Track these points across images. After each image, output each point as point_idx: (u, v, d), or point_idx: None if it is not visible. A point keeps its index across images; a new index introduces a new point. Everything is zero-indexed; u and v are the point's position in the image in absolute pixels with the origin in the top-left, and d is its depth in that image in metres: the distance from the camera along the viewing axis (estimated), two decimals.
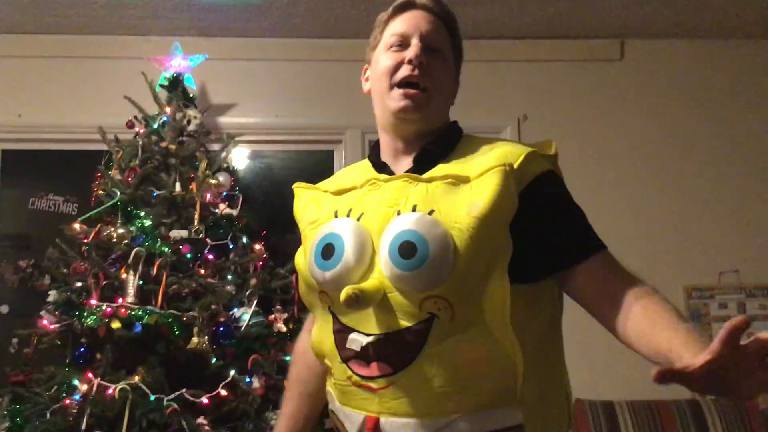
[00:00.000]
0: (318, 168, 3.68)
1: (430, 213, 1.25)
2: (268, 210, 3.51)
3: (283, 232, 3.40)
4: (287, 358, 2.76)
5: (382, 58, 1.41)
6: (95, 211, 2.99)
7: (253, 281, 3.00)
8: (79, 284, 2.83)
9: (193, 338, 2.70)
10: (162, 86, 3.32)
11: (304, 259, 1.40)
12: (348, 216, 1.34)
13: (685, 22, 3.65)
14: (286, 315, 3.02)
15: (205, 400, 2.66)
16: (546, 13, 3.52)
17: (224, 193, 3.17)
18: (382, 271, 1.24)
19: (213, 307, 2.80)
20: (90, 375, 2.65)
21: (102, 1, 3.34)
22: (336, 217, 1.35)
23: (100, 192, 3.05)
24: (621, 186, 3.68)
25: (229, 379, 2.72)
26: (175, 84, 3.31)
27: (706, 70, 3.82)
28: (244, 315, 2.90)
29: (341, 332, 1.31)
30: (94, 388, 2.61)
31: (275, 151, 3.83)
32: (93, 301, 2.74)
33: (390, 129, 1.41)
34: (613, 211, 3.59)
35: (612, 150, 3.73)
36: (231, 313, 2.89)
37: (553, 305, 1.37)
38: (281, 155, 3.84)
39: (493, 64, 3.74)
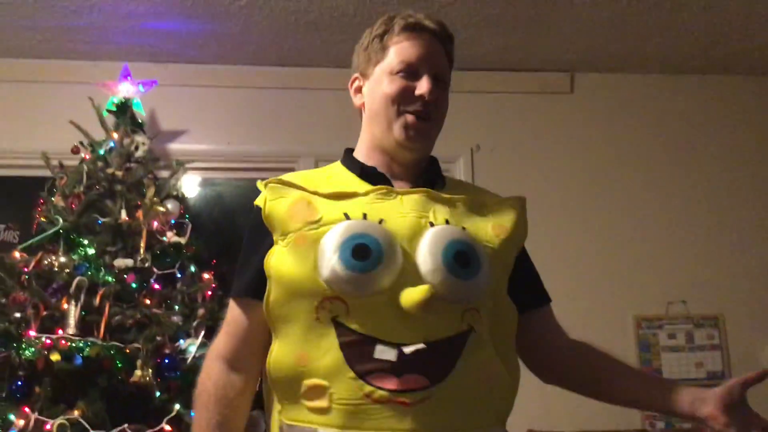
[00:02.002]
0: None
1: (463, 230, 1.29)
2: (218, 238, 3.45)
3: (234, 261, 3.33)
4: None
5: (388, 82, 1.38)
6: (36, 239, 2.90)
7: (201, 311, 2.92)
8: (17, 315, 2.72)
9: (136, 371, 2.61)
10: (109, 111, 3.25)
11: (295, 263, 1.24)
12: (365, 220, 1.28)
13: (632, 57, 3.73)
14: None
15: None
16: (498, 45, 3.56)
17: (172, 221, 3.10)
18: (425, 277, 1.21)
19: (158, 338, 2.72)
20: (27, 410, 2.53)
21: (49, 24, 3.28)
22: (348, 218, 1.26)
23: (42, 219, 2.96)
24: (570, 216, 3.71)
25: (174, 413, 2.63)
26: (123, 109, 3.25)
27: (653, 103, 3.91)
28: (191, 346, 2.82)
29: (358, 344, 1.19)
30: (31, 423, 2.50)
31: (227, 178, 3.78)
32: (32, 333, 2.63)
33: (388, 151, 1.40)
34: (562, 242, 3.63)
35: (562, 181, 3.77)
36: (177, 344, 2.81)
37: None
38: (233, 183, 3.80)
39: None
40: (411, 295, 1.17)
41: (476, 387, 1.24)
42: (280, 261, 1.26)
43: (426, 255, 1.22)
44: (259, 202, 1.35)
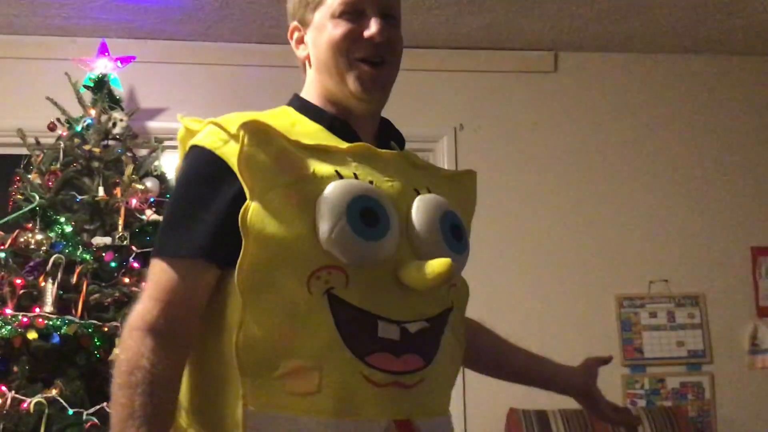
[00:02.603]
0: None
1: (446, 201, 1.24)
2: None
3: None
4: None
5: (332, 27, 1.22)
6: (12, 216, 2.86)
7: None
8: None
9: (114, 349, 2.58)
10: (86, 87, 3.20)
11: (286, 224, 1.07)
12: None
13: (616, 36, 3.72)
14: None
15: None
16: (481, 23, 3.54)
17: (152, 200, 3.06)
18: (424, 249, 1.13)
19: None
20: (4, 388, 2.52)
21: (25, 0, 3.21)
22: (340, 177, 1.12)
23: (18, 197, 2.91)
24: (553, 195, 3.71)
25: None
26: (101, 86, 3.19)
27: (636, 82, 3.91)
28: None
29: (357, 321, 1.06)
30: (8, 401, 2.48)
31: None
32: (8, 311, 2.60)
33: (343, 104, 1.25)
34: (545, 221, 3.63)
35: (545, 160, 3.77)
36: None
37: None
38: None
39: (430, 73, 3.73)
40: (437, 268, 1.06)
41: (450, 367, 1.21)
42: (263, 220, 1.06)
43: (421, 224, 1.14)
44: (210, 144, 1.13)
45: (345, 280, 1.06)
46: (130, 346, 1.08)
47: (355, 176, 1.13)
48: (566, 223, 3.70)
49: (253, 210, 1.07)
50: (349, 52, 1.21)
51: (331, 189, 1.08)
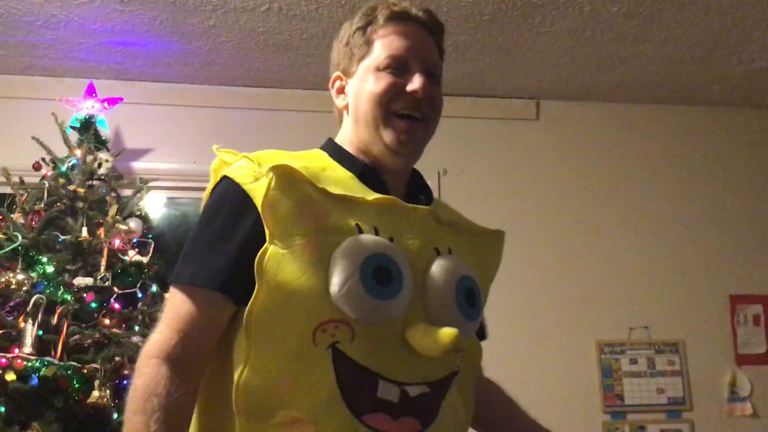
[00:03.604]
0: None
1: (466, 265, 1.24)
2: None
3: None
4: None
5: (375, 80, 1.23)
6: None
7: None
8: None
9: (93, 392, 2.56)
10: (73, 128, 3.21)
11: (300, 274, 1.07)
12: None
13: (597, 86, 3.80)
14: None
15: None
16: (466, 71, 3.60)
17: (135, 240, 3.06)
18: (433, 312, 1.13)
19: (117, 359, 2.66)
20: None
21: (13, 40, 3.23)
22: (361, 233, 1.11)
23: (0, 236, 2.89)
24: (534, 241, 3.74)
25: None
26: (87, 126, 3.20)
27: (616, 131, 3.98)
28: None
29: (357, 378, 1.06)
30: None
31: (192, 198, 3.74)
32: None
33: (376, 156, 1.25)
34: (526, 266, 3.65)
35: (527, 205, 3.80)
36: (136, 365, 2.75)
37: None
38: (197, 203, 3.75)
39: None
40: (442, 338, 1.06)
41: (452, 430, 1.19)
42: (277, 265, 1.07)
43: (436, 288, 1.14)
44: (240, 179, 1.14)
45: (351, 336, 1.06)
46: (147, 373, 1.08)
47: (376, 231, 1.13)
48: (547, 268, 3.72)
49: (270, 254, 1.08)
50: (390, 104, 1.23)
51: (347, 244, 1.08)
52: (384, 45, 1.25)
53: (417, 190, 1.31)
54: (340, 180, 1.19)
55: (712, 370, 3.72)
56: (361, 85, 1.25)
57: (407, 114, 1.23)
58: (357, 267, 1.06)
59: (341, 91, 1.31)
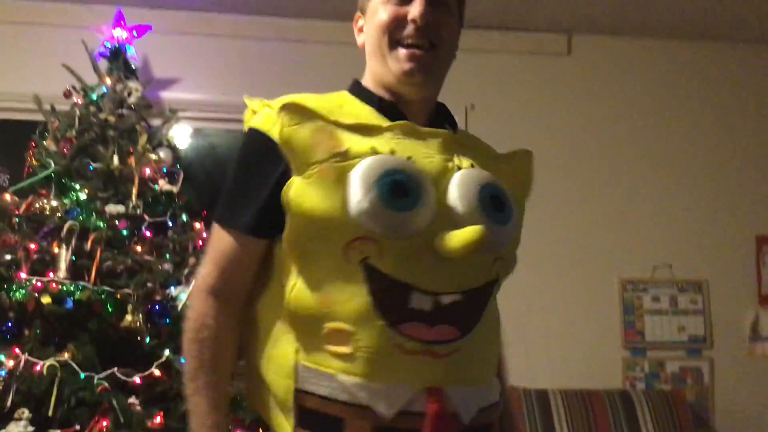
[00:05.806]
0: None
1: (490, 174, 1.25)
2: (210, 189, 3.44)
3: None
4: None
5: (380, 11, 1.26)
6: (28, 181, 2.89)
7: (191, 260, 2.93)
8: (8, 257, 2.72)
9: (126, 316, 2.64)
10: (102, 56, 3.22)
11: (321, 198, 1.12)
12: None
13: (631, 20, 3.71)
14: None
15: (137, 380, 2.58)
16: (495, 3, 3.53)
17: (164, 170, 3.09)
18: (461, 220, 1.14)
19: (149, 285, 2.72)
20: (17, 350, 2.55)
21: None
22: (376, 153, 1.15)
23: (33, 162, 2.95)
24: (561, 178, 3.72)
25: (164, 359, 2.65)
26: (117, 55, 3.21)
27: (649, 67, 3.90)
28: (181, 294, 2.83)
29: (390, 290, 1.11)
30: (21, 364, 2.51)
31: (219, 129, 3.76)
32: (23, 275, 2.64)
33: (391, 88, 1.28)
34: (552, 202, 3.64)
35: (555, 143, 3.77)
36: (167, 291, 2.82)
37: None
38: (225, 134, 3.77)
39: None
40: (462, 235, 1.09)
41: (491, 339, 1.24)
42: (302, 195, 1.13)
43: (459, 197, 1.16)
44: (263, 126, 1.21)
45: (378, 250, 1.11)
46: (196, 305, 1.24)
47: (393, 152, 1.16)
48: (574, 205, 3.72)
49: (294, 186, 1.15)
50: (393, 33, 1.24)
51: (360, 164, 1.13)
52: None
53: (441, 121, 1.32)
54: (357, 113, 1.24)
55: (734, 309, 3.74)
56: (370, 19, 1.29)
57: (409, 42, 1.24)
58: (373, 182, 1.10)
59: (361, 30, 1.35)
